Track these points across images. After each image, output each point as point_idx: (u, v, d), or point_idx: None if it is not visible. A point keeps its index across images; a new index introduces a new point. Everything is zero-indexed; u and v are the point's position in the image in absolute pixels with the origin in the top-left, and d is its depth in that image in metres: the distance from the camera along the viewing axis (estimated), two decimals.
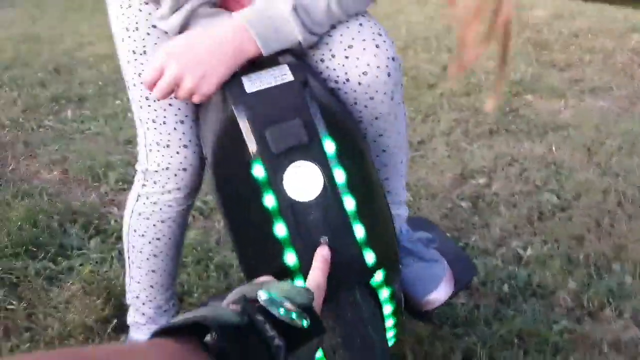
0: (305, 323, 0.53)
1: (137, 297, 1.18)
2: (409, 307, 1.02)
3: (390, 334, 0.94)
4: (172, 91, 0.78)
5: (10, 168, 2.16)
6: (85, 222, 1.75)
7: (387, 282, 0.83)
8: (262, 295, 0.53)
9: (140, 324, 1.21)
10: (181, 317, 0.49)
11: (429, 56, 3.48)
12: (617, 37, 3.81)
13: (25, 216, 1.74)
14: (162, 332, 0.47)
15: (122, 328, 1.32)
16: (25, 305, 1.38)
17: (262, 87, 0.75)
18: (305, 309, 0.55)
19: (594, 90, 2.97)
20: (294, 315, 0.53)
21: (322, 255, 0.71)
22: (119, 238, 1.68)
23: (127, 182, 2.02)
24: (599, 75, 3.15)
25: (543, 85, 2.99)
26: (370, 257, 0.76)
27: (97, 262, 1.55)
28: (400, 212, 1.01)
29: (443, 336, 1.31)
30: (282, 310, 0.52)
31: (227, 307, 0.52)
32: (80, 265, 1.54)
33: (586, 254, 1.62)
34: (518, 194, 1.97)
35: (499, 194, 1.97)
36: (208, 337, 0.47)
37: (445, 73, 3.18)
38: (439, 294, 0.99)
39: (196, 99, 0.77)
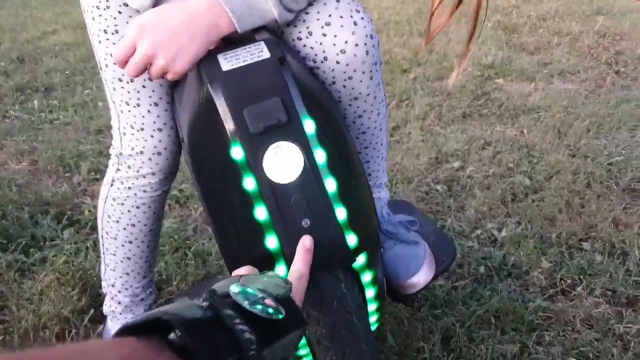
0: (280, 316, 0.52)
1: (112, 285, 1.16)
2: (391, 290, 1.02)
3: (373, 319, 0.93)
4: (145, 69, 0.75)
5: None
6: (57, 213, 1.71)
7: (369, 265, 0.82)
8: (234, 289, 0.52)
9: (117, 312, 1.19)
10: (143, 315, 0.47)
11: (401, 40, 3.49)
12: (583, 20, 3.89)
13: None
14: (128, 330, 0.45)
15: (99, 319, 1.30)
16: None
17: (239, 65, 0.72)
18: (284, 301, 0.54)
19: (562, 73, 3.03)
20: (267, 309, 0.51)
21: (304, 245, 0.70)
22: (94, 228, 1.65)
23: (100, 172, 1.97)
24: (566, 58, 3.22)
25: (513, 69, 3.04)
26: (352, 239, 0.75)
27: (71, 253, 1.52)
28: (381, 195, 1.00)
29: (422, 317, 1.33)
30: (255, 304, 0.51)
31: (194, 303, 0.50)
32: (54, 256, 1.50)
33: (558, 233, 1.66)
34: (491, 176, 2.00)
35: (473, 177, 1.99)
36: (172, 335, 0.45)
37: (418, 57, 3.19)
38: (421, 277, 0.99)
39: (170, 76, 0.75)
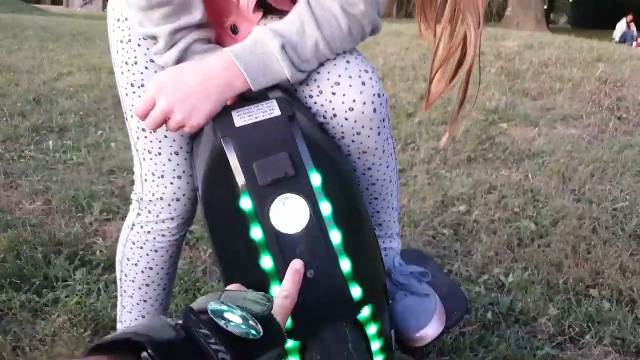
0: (257, 333, 0.52)
1: (127, 327, 1.18)
2: (400, 342, 1.02)
3: None
4: (163, 122, 0.80)
5: None
6: (70, 253, 1.74)
7: (374, 317, 0.82)
8: (212, 307, 0.52)
9: None
10: (114, 334, 0.48)
11: (406, 85, 3.57)
12: (583, 67, 3.98)
13: (7, 248, 1.72)
14: (101, 348, 0.46)
15: None
16: (10, 338, 1.36)
17: (250, 121, 0.77)
18: (264, 319, 0.54)
19: (565, 118, 3.09)
20: (244, 327, 0.52)
21: (293, 266, 0.72)
22: (105, 269, 1.68)
23: (111, 212, 2.01)
24: (569, 104, 3.28)
25: (517, 114, 3.10)
26: (356, 291, 0.76)
27: (83, 293, 1.54)
28: (392, 245, 1.03)
29: None
30: (232, 322, 0.51)
31: (167, 322, 0.51)
32: (66, 296, 1.52)
33: (565, 279, 1.67)
34: (497, 220, 2.03)
35: (479, 221, 2.02)
36: (144, 354, 0.46)
37: (423, 102, 3.27)
38: (430, 330, 0.99)
39: (186, 130, 0.80)
